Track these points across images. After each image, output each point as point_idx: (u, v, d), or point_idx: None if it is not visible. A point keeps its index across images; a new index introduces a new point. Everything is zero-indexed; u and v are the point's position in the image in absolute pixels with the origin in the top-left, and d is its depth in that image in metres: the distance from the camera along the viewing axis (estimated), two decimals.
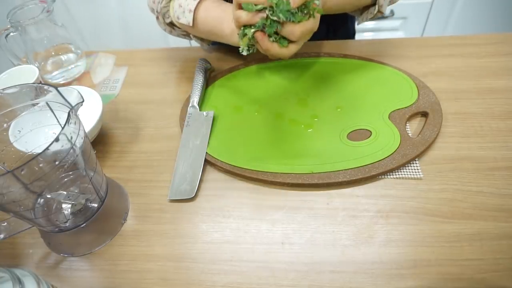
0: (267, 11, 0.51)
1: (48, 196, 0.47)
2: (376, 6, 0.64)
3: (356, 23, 0.72)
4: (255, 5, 0.52)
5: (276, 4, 0.51)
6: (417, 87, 0.63)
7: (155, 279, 0.45)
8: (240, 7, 0.53)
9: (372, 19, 0.68)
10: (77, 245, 0.49)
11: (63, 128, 0.37)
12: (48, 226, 0.46)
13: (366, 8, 0.68)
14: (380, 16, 0.66)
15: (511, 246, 0.44)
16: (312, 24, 0.52)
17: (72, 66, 0.77)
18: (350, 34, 0.91)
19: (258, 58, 0.73)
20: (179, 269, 0.46)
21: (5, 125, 0.46)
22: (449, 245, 0.45)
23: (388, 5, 0.65)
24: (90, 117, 0.57)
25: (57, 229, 0.46)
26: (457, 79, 0.66)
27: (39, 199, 0.46)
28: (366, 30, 1.64)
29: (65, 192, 0.47)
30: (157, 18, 0.71)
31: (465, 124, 0.58)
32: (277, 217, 0.50)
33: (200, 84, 0.67)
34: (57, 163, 0.39)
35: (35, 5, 0.70)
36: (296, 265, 0.45)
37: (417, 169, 0.53)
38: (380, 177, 0.52)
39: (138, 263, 0.47)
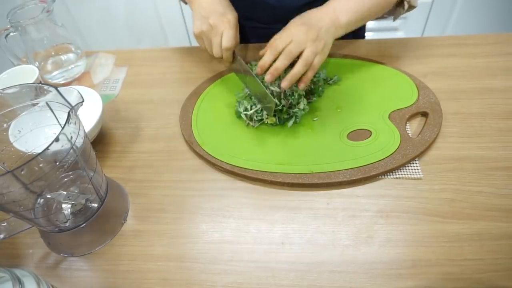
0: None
1: (48, 196, 0.47)
2: (405, 3, 0.62)
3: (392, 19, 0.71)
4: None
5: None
6: (417, 87, 0.63)
7: (156, 279, 0.45)
8: None
9: (406, 12, 0.67)
10: (77, 245, 0.49)
11: (63, 128, 0.37)
12: (48, 226, 0.46)
13: (397, 4, 0.66)
14: (414, 8, 0.64)
15: (511, 246, 0.44)
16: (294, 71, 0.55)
17: (72, 66, 0.77)
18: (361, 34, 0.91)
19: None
20: (180, 269, 0.46)
21: (5, 125, 0.46)
22: (449, 245, 0.45)
23: None
24: (90, 117, 0.57)
25: (57, 229, 0.46)
26: (457, 79, 0.66)
27: (39, 199, 0.46)
28: (366, 30, 1.63)
29: (65, 192, 0.47)
30: None
31: (465, 124, 0.58)
32: (277, 217, 0.50)
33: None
34: (57, 163, 0.39)
35: (35, 5, 0.70)
36: (296, 265, 0.45)
37: (417, 169, 0.53)
38: (380, 177, 0.53)
39: (138, 263, 0.47)
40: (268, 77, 0.55)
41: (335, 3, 0.60)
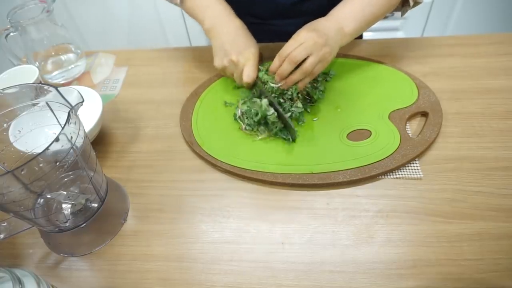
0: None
1: (48, 196, 0.47)
2: (410, 0, 0.62)
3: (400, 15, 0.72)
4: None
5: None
6: (417, 87, 0.63)
7: (155, 279, 0.45)
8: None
9: (412, 8, 0.67)
10: (77, 245, 0.49)
11: (63, 128, 0.37)
12: (48, 226, 0.46)
13: (403, 3, 0.66)
14: (420, 3, 0.65)
15: (511, 246, 0.44)
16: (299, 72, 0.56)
17: (72, 66, 0.77)
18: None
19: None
20: (179, 269, 0.46)
21: (5, 125, 0.46)
22: (449, 245, 0.45)
23: None
24: (90, 117, 0.57)
25: (57, 229, 0.46)
26: (457, 79, 0.66)
27: (39, 199, 0.46)
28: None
29: (65, 192, 0.47)
30: None
31: (465, 124, 0.58)
32: (277, 217, 0.50)
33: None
34: (57, 163, 0.39)
35: (35, 5, 0.70)
36: (296, 265, 0.45)
37: (417, 169, 0.53)
38: (380, 177, 0.52)
39: (138, 263, 0.47)
40: (277, 78, 0.58)
41: (338, 13, 0.61)
